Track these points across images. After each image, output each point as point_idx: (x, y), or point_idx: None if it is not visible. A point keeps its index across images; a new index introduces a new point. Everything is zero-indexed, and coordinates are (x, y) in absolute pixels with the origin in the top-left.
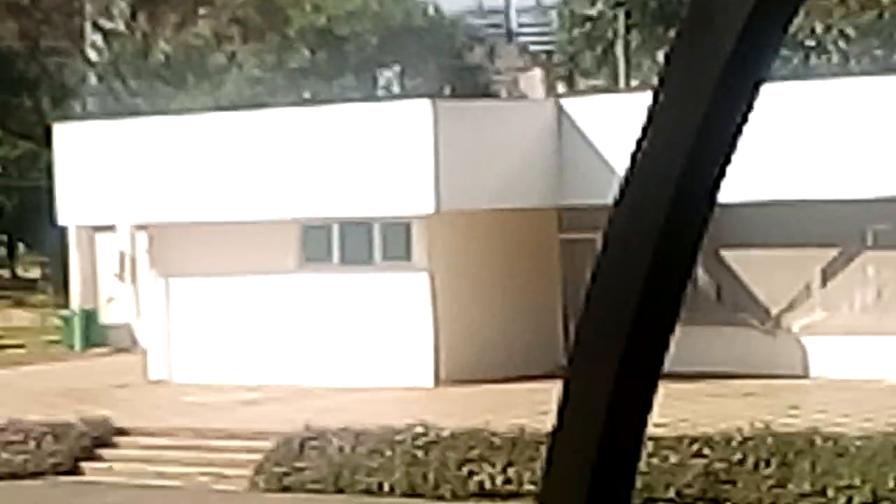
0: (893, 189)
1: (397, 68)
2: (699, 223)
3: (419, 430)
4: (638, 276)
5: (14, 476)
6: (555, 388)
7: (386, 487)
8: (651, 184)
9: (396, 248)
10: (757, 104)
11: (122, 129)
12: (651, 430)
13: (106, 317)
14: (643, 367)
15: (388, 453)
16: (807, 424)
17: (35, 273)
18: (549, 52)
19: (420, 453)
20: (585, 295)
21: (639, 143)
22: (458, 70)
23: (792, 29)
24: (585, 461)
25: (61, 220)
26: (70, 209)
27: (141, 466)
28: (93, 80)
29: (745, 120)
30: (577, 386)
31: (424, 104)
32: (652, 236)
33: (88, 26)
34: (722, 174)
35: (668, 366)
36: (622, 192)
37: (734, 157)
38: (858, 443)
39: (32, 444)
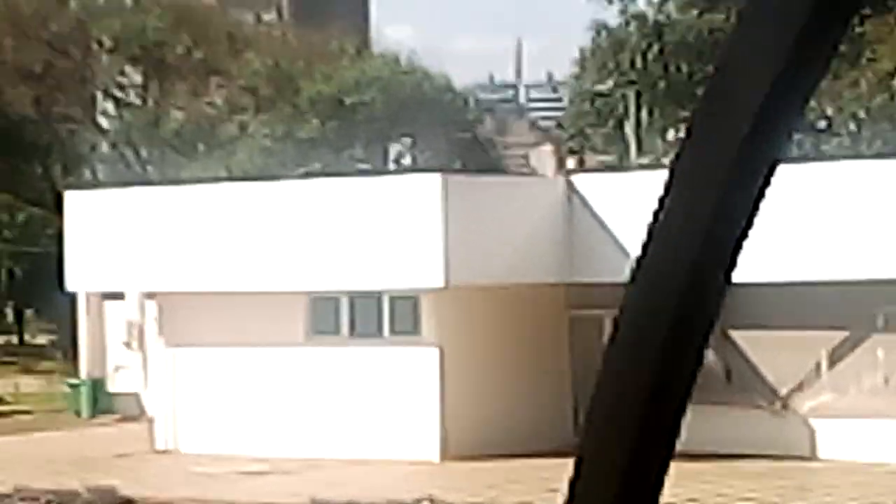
0: None
1: (407, 140)
2: (714, 303)
3: None
4: (652, 354)
5: None
6: (562, 465)
7: None
8: (666, 262)
9: (405, 321)
10: (770, 186)
11: (132, 197)
12: None
13: (113, 385)
14: (656, 445)
15: None
16: None
17: (43, 339)
18: (559, 127)
19: None
20: (599, 372)
21: (653, 221)
22: (469, 143)
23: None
24: None
25: (70, 286)
26: (79, 276)
27: None
28: (104, 147)
29: (760, 200)
30: (588, 463)
31: (435, 178)
32: (667, 315)
33: (100, 94)
34: (738, 254)
35: (677, 445)
36: (637, 269)
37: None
38: None
39: None
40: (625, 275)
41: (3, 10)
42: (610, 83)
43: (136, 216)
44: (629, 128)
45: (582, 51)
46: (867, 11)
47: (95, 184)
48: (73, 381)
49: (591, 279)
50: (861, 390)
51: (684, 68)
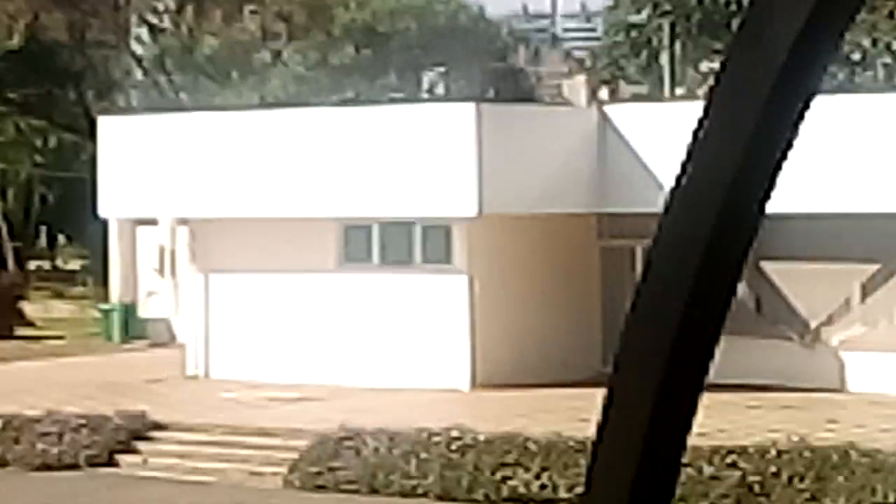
0: None
1: (441, 69)
2: (747, 233)
3: (455, 433)
4: (685, 284)
5: (50, 467)
6: (592, 395)
7: (420, 490)
8: (700, 193)
9: (437, 250)
10: (805, 117)
11: (166, 123)
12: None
13: (145, 311)
14: (688, 375)
15: (423, 456)
16: (843, 439)
17: (75, 265)
18: (593, 58)
19: (455, 457)
20: (632, 301)
21: (689, 151)
22: (503, 73)
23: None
24: (626, 472)
25: (103, 212)
26: (112, 202)
27: (176, 461)
28: (138, 73)
29: (795, 132)
30: (621, 393)
31: (469, 108)
32: (700, 245)
33: (134, 20)
34: (772, 185)
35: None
36: (671, 199)
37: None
38: (894, 459)
39: (69, 435)
40: (657, 205)
41: None
42: (644, 14)
43: (168, 142)
44: (663, 59)
45: None
46: None
47: (129, 110)
48: (105, 306)
49: (622, 209)
50: (892, 323)
51: None
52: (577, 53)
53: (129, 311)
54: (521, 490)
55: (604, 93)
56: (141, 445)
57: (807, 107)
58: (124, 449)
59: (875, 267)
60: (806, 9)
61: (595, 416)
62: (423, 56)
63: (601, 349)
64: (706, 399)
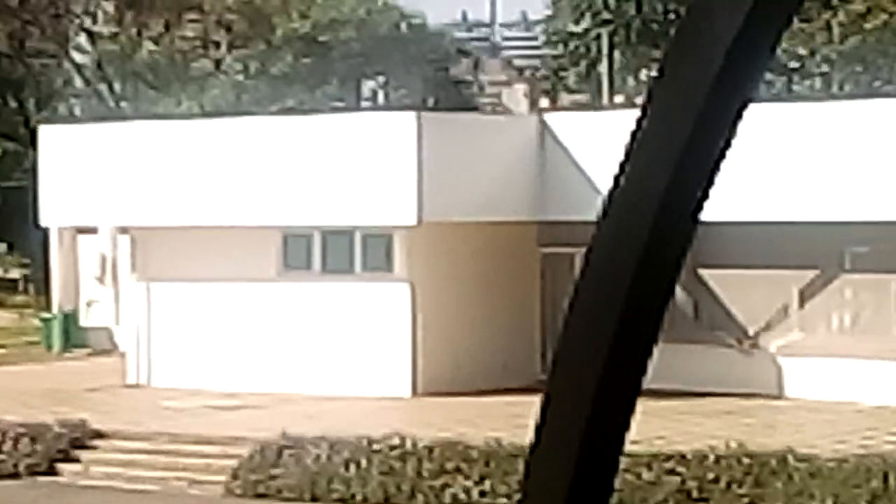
0: (872, 212)
1: (381, 79)
2: (683, 240)
3: (395, 440)
4: (620, 291)
5: None
6: (532, 402)
7: (360, 497)
8: (636, 199)
9: (377, 258)
10: (741, 125)
11: (106, 132)
12: (626, 446)
13: (86, 319)
14: (624, 382)
15: (364, 463)
16: (781, 444)
17: (16, 273)
18: (533, 67)
19: (396, 464)
20: (567, 308)
21: (625, 158)
22: (443, 82)
23: (776, 52)
24: (563, 475)
25: (44, 221)
26: (53, 211)
27: (117, 470)
28: (78, 82)
29: (731, 139)
30: (556, 400)
31: (409, 116)
32: (635, 252)
33: (74, 29)
34: (707, 192)
35: (644, 383)
36: (607, 206)
37: (718, 176)
38: (832, 464)
39: (9, 444)
40: (595, 213)
41: None
42: (584, 24)
43: (109, 151)
44: (602, 67)
45: None
46: None
47: (69, 118)
48: (46, 315)
49: (562, 217)
50: (830, 329)
51: (658, 7)
52: (517, 62)
53: (69, 319)
54: (462, 497)
55: (544, 102)
56: (82, 454)
57: (741, 114)
58: (65, 458)
59: (813, 273)
60: (740, 16)
61: (534, 422)
62: (364, 65)
63: (540, 356)
64: (645, 405)
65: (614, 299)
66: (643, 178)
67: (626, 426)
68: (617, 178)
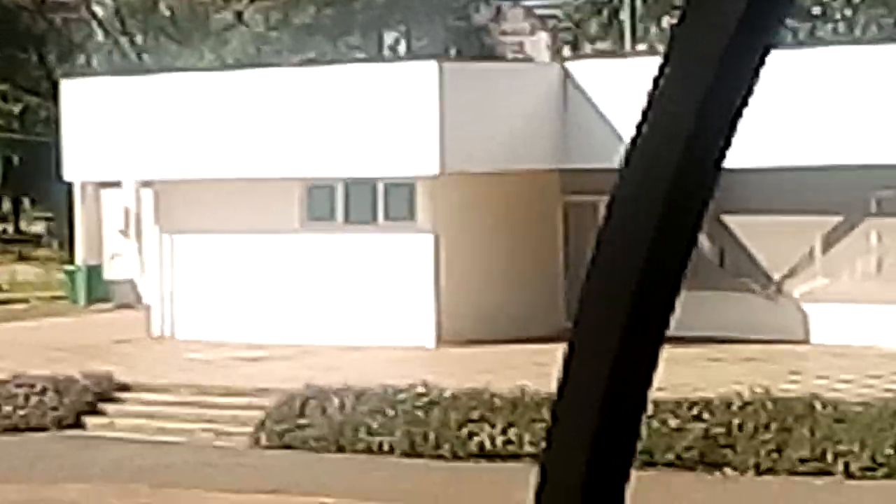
0: None
1: (403, 28)
2: (706, 188)
3: (420, 390)
4: (644, 238)
5: (16, 430)
6: (556, 350)
7: (386, 447)
8: (658, 147)
9: (400, 208)
10: (764, 70)
11: (128, 86)
12: (651, 393)
13: (110, 272)
14: (648, 329)
15: (389, 413)
16: (806, 390)
17: (40, 228)
18: (555, 16)
19: (420, 413)
20: (591, 257)
21: (647, 105)
22: (464, 31)
23: None
24: (589, 423)
25: (67, 175)
26: (76, 165)
27: (143, 422)
28: (99, 35)
29: (752, 86)
30: (581, 347)
31: (430, 65)
32: (658, 200)
33: None
34: (730, 139)
35: (669, 330)
36: (629, 155)
37: (741, 123)
38: (857, 409)
39: (35, 398)
40: (619, 161)
41: None
42: None
43: (132, 105)
44: (624, 15)
45: None
46: None
47: (92, 72)
48: (70, 267)
49: (586, 165)
50: (854, 275)
51: None
52: (539, 11)
53: (93, 272)
54: (488, 446)
55: (566, 50)
56: (107, 407)
57: (763, 60)
58: (91, 410)
59: (837, 219)
60: None
61: (558, 370)
62: (386, 15)
63: (565, 304)
64: (669, 352)
65: (638, 246)
66: (666, 124)
67: (651, 375)
68: (639, 126)
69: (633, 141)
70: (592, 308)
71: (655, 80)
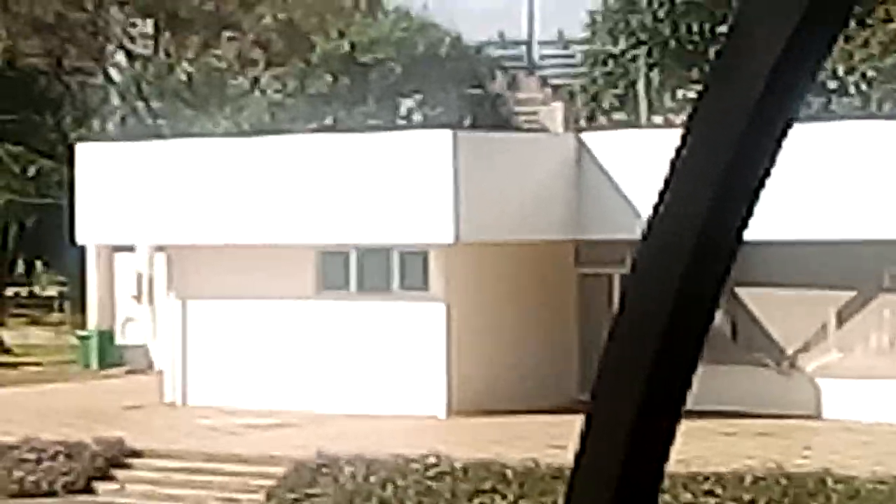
0: None
1: (419, 96)
2: (725, 262)
3: (431, 459)
4: (663, 311)
5: (27, 495)
6: (568, 422)
7: None
8: (678, 221)
9: (414, 277)
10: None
11: (143, 150)
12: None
13: (122, 337)
14: (666, 402)
15: (401, 482)
16: (819, 465)
17: (53, 291)
18: (570, 87)
19: (432, 483)
20: (610, 328)
21: (667, 178)
22: (479, 100)
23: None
24: (606, 494)
25: (80, 239)
26: (89, 228)
27: (153, 489)
28: (115, 100)
29: (774, 160)
30: (599, 418)
31: (445, 134)
32: (678, 273)
33: (112, 47)
34: (749, 213)
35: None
36: (649, 226)
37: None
38: (870, 485)
39: (46, 462)
40: (634, 232)
41: None
42: (622, 44)
43: (146, 169)
44: (640, 87)
45: (592, 13)
46: None
47: (107, 136)
48: (82, 332)
49: (599, 236)
50: (867, 350)
51: (695, 27)
52: (554, 81)
53: (106, 337)
54: None
55: (581, 121)
56: (118, 472)
57: (785, 135)
58: (102, 476)
59: (851, 294)
60: (783, 38)
61: (571, 443)
62: (401, 84)
63: (578, 376)
64: (683, 426)
65: (656, 321)
66: (686, 199)
67: (668, 451)
68: (659, 199)
69: (653, 214)
70: (610, 380)
71: (676, 153)
